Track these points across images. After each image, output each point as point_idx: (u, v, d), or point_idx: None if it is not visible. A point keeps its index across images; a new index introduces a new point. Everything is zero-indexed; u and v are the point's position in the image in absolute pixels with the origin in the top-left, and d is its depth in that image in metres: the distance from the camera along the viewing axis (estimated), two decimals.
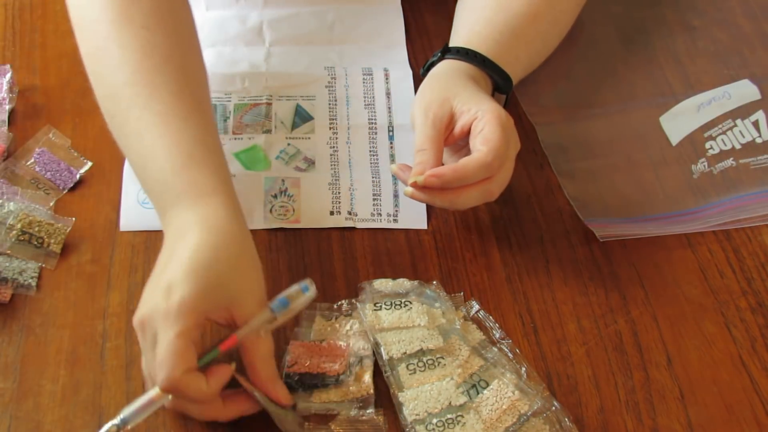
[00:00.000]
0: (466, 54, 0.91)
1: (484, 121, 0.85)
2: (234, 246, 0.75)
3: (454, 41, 0.94)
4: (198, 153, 0.78)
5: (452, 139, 0.88)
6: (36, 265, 0.86)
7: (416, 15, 1.09)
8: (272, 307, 0.75)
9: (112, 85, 0.81)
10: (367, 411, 0.79)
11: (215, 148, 0.80)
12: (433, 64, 0.93)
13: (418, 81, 1.02)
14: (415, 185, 0.84)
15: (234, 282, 0.74)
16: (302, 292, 0.76)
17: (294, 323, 0.84)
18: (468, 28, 0.95)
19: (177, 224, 0.76)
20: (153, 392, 0.72)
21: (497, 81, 0.92)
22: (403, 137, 0.98)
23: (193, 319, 0.71)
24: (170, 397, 0.72)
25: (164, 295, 0.71)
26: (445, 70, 0.91)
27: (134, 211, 0.91)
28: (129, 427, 0.72)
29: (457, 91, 0.88)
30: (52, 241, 0.87)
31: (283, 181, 0.94)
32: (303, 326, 0.84)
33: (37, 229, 0.86)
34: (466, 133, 0.87)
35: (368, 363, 0.81)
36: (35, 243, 0.86)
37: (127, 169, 0.93)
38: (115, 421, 0.72)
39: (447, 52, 0.93)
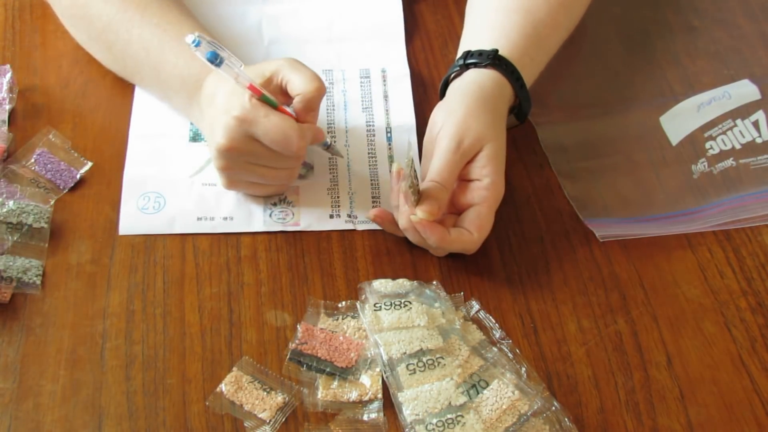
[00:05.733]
0: (511, 73, 0.90)
1: (485, 198, 0.86)
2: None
3: (491, 42, 0.92)
4: None
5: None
6: (39, 263, 0.86)
7: (416, 14, 1.09)
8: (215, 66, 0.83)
9: (104, 20, 0.94)
10: (373, 414, 0.79)
11: (207, 34, 0.90)
12: (475, 65, 0.91)
13: (416, 80, 1.03)
14: (418, 220, 0.85)
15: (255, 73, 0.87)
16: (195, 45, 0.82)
17: (294, 319, 0.84)
18: (502, 32, 0.93)
19: (208, 93, 0.88)
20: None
21: (521, 104, 0.93)
22: (401, 138, 0.98)
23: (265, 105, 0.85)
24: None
25: (234, 118, 0.84)
26: (491, 91, 0.90)
27: (134, 217, 0.91)
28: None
29: (492, 138, 0.87)
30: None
31: None
32: (309, 322, 0.84)
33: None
34: (466, 179, 0.88)
35: (377, 365, 0.81)
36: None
37: (128, 174, 0.93)
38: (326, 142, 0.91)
39: (495, 58, 0.90)
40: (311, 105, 0.86)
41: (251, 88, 0.84)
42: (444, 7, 1.10)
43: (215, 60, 0.82)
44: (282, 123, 0.84)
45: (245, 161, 0.87)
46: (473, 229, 0.86)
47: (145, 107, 0.98)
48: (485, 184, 0.86)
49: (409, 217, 0.85)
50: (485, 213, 0.86)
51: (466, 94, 0.89)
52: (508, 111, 0.93)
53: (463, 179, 0.88)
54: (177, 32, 0.91)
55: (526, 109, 0.94)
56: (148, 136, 0.97)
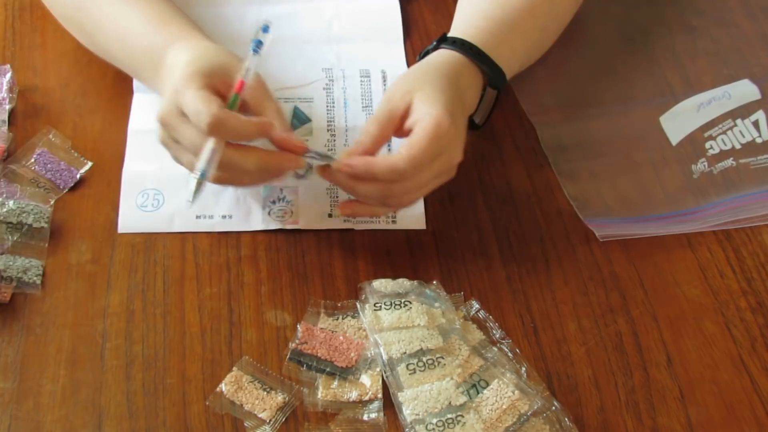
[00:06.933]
0: (461, 45, 0.91)
1: (421, 126, 0.83)
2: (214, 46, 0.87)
3: (452, 32, 0.94)
4: (167, 15, 0.91)
5: (402, 132, 0.86)
6: (39, 263, 0.86)
7: (416, 14, 1.09)
8: (252, 50, 0.84)
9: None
10: (373, 414, 0.79)
11: (179, 11, 0.92)
12: (428, 52, 0.93)
13: None
14: (336, 164, 0.83)
15: (222, 57, 0.84)
16: (263, 32, 0.84)
17: (294, 319, 0.84)
18: (465, 20, 0.94)
19: (169, 64, 0.85)
20: (209, 143, 0.79)
21: (490, 75, 0.92)
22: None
23: (200, 81, 0.80)
24: (222, 144, 0.79)
25: (171, 88, 0.81)
26: (433, 60, 0.90)
27: (133, 215, 0.91)
28: (210, 177, 0.80)
29: (422, 86, 0.86)
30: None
31: (281, 189, 0.93)
32: (309, 322, 0.84)
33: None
34: (408, 130, 0.86)
35: (377, 365, 0.81)
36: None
37: (126, 170, 0.93)
38: (195, 175, 0.79)
39: (443, 41, 0.92)
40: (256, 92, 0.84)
41: (239, 85, 0.83)
42: (444, 7, 1.10)
43: (258, 48, 0.83)
44: (203, 95, 0.79)
45: (172, 139, 0.84)
46: (403, 150, 0.83)
47: (144, 103, 0.98)
48: (420, 116, 0.84)
49: (333, 170, 0.83)
50: (418, 136, 0.83)
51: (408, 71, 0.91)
52: (481, 85, 0.92)
53: (407, 134, 0.86)
54: (144, 6, 0.91)
55: (494, 80, 0.92)
56: (147, 131, 0.96)
